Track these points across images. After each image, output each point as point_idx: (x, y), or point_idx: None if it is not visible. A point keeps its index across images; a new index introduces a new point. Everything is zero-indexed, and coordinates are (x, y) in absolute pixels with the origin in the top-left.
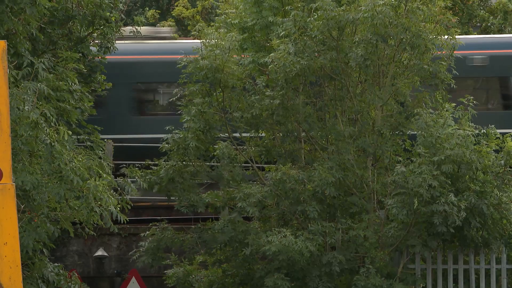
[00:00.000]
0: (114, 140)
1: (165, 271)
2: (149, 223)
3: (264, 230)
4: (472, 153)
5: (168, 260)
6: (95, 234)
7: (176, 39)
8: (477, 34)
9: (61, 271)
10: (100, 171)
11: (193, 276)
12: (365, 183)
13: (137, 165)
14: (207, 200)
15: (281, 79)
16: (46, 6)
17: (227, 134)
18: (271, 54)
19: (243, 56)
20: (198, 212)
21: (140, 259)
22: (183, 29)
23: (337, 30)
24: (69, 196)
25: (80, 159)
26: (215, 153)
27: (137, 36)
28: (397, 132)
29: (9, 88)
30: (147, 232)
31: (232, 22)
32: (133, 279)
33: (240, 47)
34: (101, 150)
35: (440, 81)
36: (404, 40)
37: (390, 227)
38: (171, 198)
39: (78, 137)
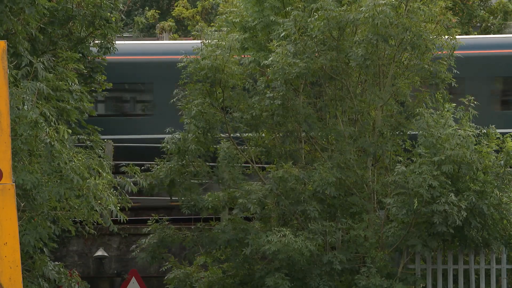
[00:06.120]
0: None
1: (165, 276)
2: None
3: (264, 230)
4: (472, 153)
5: (167, 263)
6: (95, 233)
7: None
8: (477, 34)
9: (61, 269)
10: (100, 170)
11: (193, 276)
12: (365, 183)
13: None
14: (209, 200)
15: (280, 79)
16: (46, 6)
17: (227, 134)
18: (270, 59)
19: (243, 56)
20: (198, 212)
21: (140, 256)
22: (183, 29)
23: (337, 30)
24: (69, 195)
25: (80, 158)
26: (217, 154)
27: None
28: (397, 132)
29: (9, 87)
30: (149, 228)
31: (234, 20)
32: (133, 279)
33: (242, 47)
34: (101, 150)
35: (441, 80)
36: (404, 40)
37: (390, 227)
38: (172, 198)
39: (79, 137)
